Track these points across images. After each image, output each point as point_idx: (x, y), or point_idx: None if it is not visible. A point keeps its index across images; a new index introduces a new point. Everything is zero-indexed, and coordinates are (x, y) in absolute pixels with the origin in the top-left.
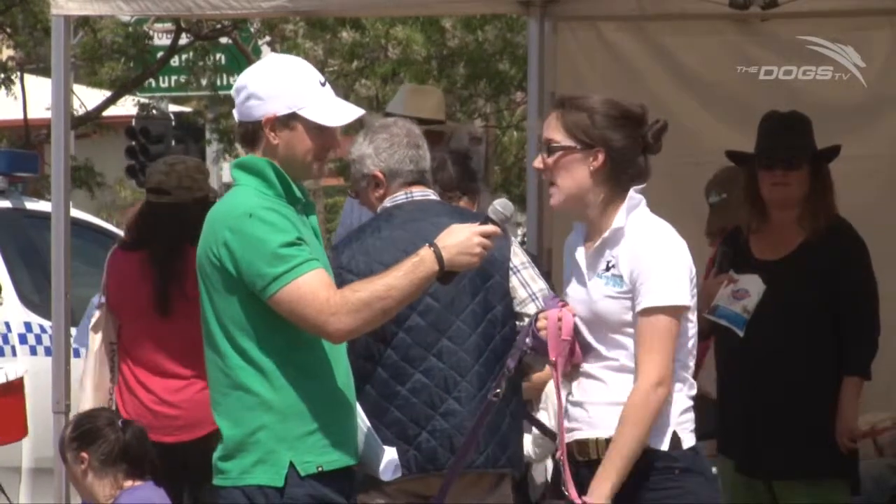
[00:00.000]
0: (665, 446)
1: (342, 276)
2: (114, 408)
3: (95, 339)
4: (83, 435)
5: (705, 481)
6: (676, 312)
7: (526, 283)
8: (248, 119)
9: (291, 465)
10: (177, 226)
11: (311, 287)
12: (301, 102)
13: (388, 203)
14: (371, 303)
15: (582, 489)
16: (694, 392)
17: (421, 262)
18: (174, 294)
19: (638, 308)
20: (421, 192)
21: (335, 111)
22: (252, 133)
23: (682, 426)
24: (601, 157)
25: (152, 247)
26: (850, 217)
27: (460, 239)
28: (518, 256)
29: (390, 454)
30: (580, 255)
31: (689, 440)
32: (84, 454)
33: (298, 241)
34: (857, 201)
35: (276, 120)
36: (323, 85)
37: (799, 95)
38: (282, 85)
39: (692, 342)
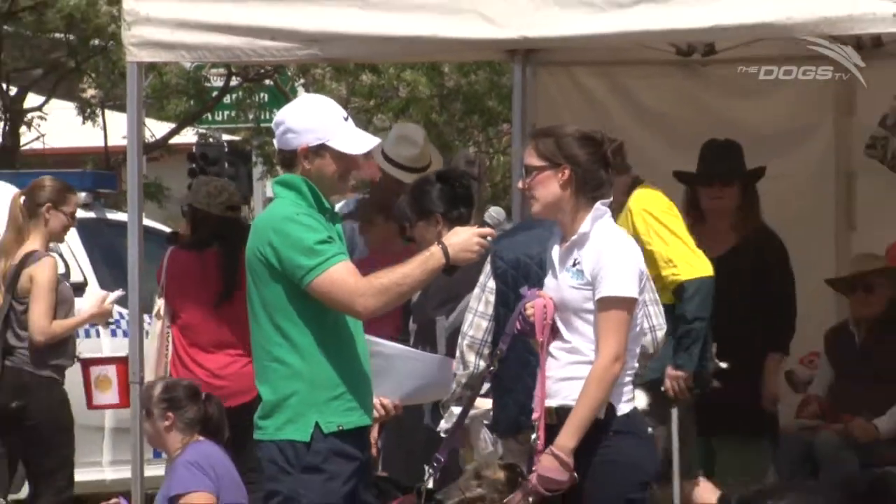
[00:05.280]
0: (601, 415)
1: (495, 262)
2: None
3: (157, 324)
4: (172, 399)
5: (639, 441)
6: (627, 303)
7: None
8: (285, 148)
9: (317, 424)
10: (245, 232)
11: (342, 275)
12: (328, 135)
13: None
14: (390, 288)
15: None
16: (632, 370)
17: (431, 257)
18: (234, 287)
19: (596, 297)
20: None
21: (356, 141)
22: (290, 159)
23: (618, 397)
24: (567, 172)
25: (222, 248)
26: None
27: (462, 238)
28: None
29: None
30: (555, 252)
31: (622, 409)
32: (170, 414)
33: (329, 239)
34: (785, 214)
35: (308, 150)
36: (346, 119)
37: (735, 125)
38: (312, 121)
39: (637, 329)
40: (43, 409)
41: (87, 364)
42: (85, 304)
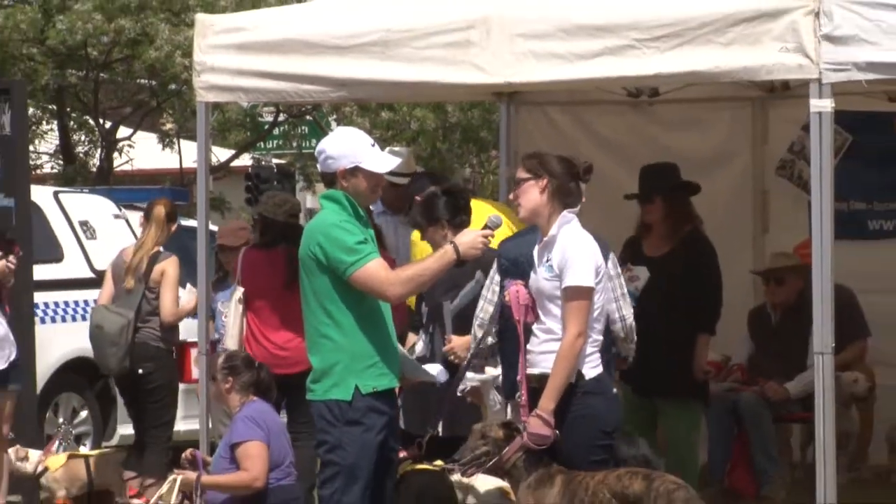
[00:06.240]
0: (573, 379)
1: (499, 260)
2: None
3: (240, 308)
4: (232, 367)
5: (604, 399)
6: (586, 291)
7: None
8: (327, 171)
9: (356, 387)
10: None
11: (375, 269)
12: (360, 159)
13: None
14: (413, 278)
15: (528, 400)
16: (596, 342)
17: (445, 254)
18: (296, 278)
19: (561, 287)
20: None
21: (382, 162)
22: (331, 180)
23: (586, 364)
24: (545, 181)
25: (288, 247)
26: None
27: (470, 238)
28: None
29: (436, 369)
30: (535, 251)
31: (590, 373)
32: (230, 378)
33: (365, 241)
34: (713, 222)
35: (345, 171)
36: (373, 146)
37: (675, 152)
38: (346, 148)
39: (597, 312)
40: (163, 375)
41: (187, 346)
42: (184, 297)
